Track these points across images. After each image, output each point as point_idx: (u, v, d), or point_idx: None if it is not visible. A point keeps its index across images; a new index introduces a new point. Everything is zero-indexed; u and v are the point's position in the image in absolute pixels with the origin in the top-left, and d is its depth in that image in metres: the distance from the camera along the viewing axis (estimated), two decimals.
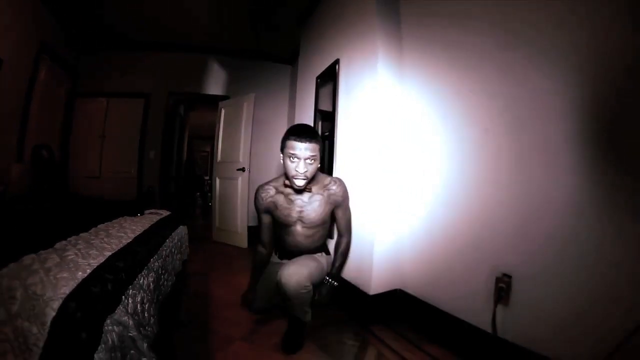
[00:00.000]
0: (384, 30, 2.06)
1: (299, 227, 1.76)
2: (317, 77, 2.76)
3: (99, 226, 1.50)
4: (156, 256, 1.42)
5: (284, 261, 1.85)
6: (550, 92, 1.30)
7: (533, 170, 1.36)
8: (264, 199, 1.76)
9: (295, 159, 1.52)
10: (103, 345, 0.80)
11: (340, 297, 2.07)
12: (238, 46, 4.30)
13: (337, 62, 2.40)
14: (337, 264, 1.88)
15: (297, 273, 1.52)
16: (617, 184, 1.09)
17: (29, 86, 3.14)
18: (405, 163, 2.04)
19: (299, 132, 1.53)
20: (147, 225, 1.66)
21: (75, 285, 0.83)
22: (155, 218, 1.93)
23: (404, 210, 2.03)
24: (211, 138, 9.12)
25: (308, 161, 1.53)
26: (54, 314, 0.75)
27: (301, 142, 1.50)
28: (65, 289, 0.81)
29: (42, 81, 3.33)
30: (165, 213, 2.18)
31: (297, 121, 3.33)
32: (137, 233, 1.48)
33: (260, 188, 1.80)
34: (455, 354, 1.57)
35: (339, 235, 1.92)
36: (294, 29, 3.55)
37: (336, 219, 1.89)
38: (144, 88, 4.28)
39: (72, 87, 4.00)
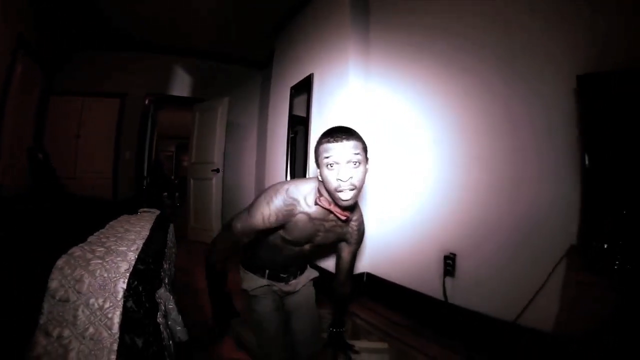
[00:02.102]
0: (355, 49, 2.40)
1: (307, 247, 1.36)
2: (292, 88, 3.04)
3: (110, 223, 1.69)
4: (166, 247, 1.65)
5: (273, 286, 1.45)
6: (499, 111, 1.70)
7: (473, 176, 1.78)
8: (284, 215, 1.19)
9: (335, 165, 1.08)
10: (160, 313, 1.05)
11: (318, 282, 2.38)
12: (212, 50, 4.44)
13: (311, 76, 2.71)
14: (341, 314, 1.62)
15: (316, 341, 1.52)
16: (537, 194, 1.52)
17: (4, 82, 2.93)
18: (370, 166, 2.39)
19: (332, 131, 1.13)
20: (152, 222, 1.87)
21: (130, 266, 1.07)
22: (153, 216, 2.12)
23: (369, 208, 2.38)
24: (176, 138, 9.10)
25: (352, 164, 1.09)
26: (124, 288, 0.98)
27: (337, 140, 1.08)
28: (126, 270, 1.04)
29: (18, 77, 3.13)
30: (156, 211, 2.36)
31: (271, 124, 3.61)
32: (148, 227, 1.69)
33: (283, 197, 1.19)
34: (415, 319, 1.95)
35: (340, 284, 1.52)
36: (267, 37, 3.78)
37: (340, 260, 1.47)
38: (120, 88, 4.27)
39: (46, 84, 3.86)
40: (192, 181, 4.25)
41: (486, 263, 1.67)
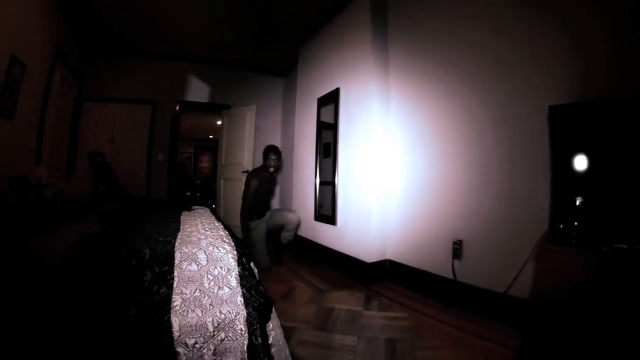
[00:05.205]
0: (377, 67, 2.81)
1: (269, 193, 3.51)
2: (319, 99, 3.46)
3: (181, 218, 2.08)
4: None
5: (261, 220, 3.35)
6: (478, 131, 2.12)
7: (477, 178, 2.18)
8: (259, 177, 3.21)
9: (270, 159, 3.20)
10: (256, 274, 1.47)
11: (347, 267, 2.86)
12: (238, 58, 4.81)
13: (337, 90, 3.12)
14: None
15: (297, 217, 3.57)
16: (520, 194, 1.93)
17: (45, 91, 3.26)
18: (390, 169, 2.83)
19: (274, 149, 3.25)
20: (213, 216, 2.28)
21: (232, 246, 1.48)
22: (208, 211, 2.53)
23: (389, 202, 2.81)
24: (194, 140, 9.51)
25: (276, 159, 3.23)
26: (235, 259, 1.39)
27: (275, 153, 3.23)
28: (231, 248, 1.45)
29: (56, 86, 3.48)
30: (207, 209, 2.78)
31: (297, 130, 4.09)
32: (214, 219, 2.09)
33: (257, 172, 3.30)
34: (429, 296, 2.36)
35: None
36: (290, 49, 4.22)
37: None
38: (151, 95, 4.64)
39: (79, 92, 4.22)
40: (222, 181, 4.66)
41: (485, 247, 2.09)
